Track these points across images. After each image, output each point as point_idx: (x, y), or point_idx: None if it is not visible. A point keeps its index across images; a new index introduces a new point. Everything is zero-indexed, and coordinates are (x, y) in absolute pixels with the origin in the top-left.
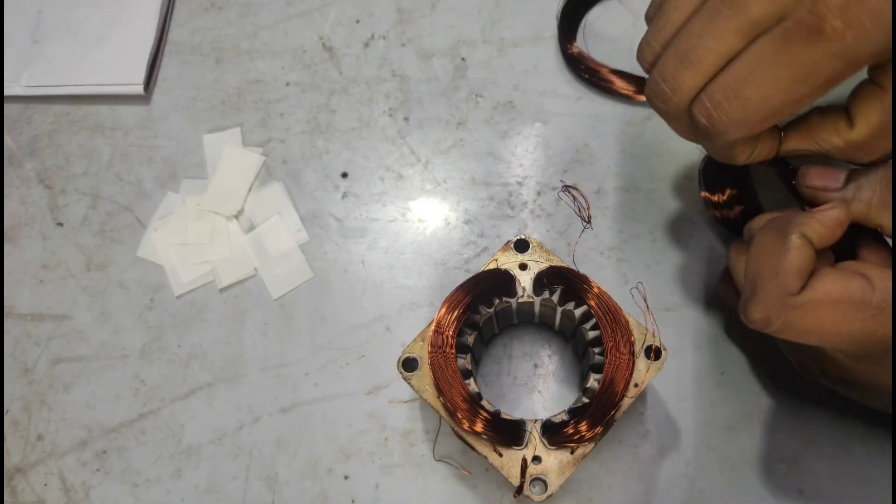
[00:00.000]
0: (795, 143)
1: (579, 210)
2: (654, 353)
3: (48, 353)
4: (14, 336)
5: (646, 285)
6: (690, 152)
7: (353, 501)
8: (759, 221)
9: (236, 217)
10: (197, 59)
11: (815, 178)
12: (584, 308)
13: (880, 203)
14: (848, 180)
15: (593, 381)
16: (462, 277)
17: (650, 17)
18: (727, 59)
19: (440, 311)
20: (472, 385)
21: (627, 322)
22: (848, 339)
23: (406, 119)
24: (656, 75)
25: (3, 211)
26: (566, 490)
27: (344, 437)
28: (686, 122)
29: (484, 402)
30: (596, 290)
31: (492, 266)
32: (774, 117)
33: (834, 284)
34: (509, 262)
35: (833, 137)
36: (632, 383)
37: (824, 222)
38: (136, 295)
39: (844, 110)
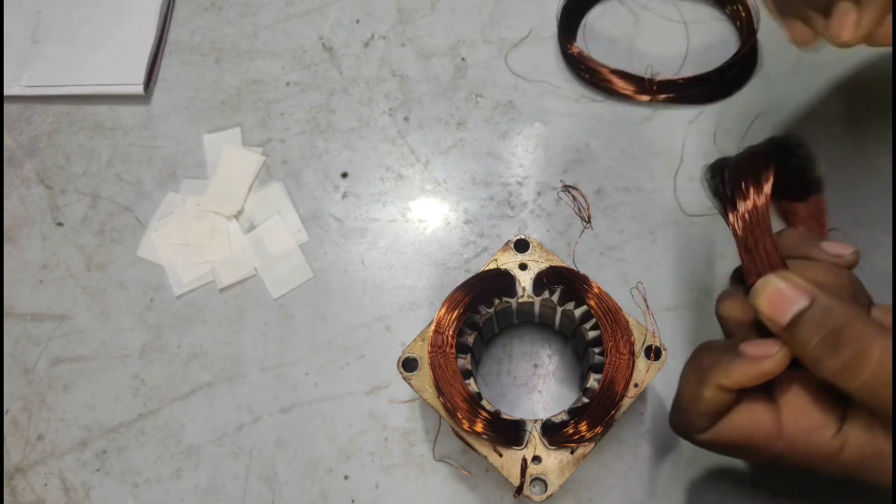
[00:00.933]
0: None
1: (579, 210)
2: (654, 353)
3: (48, 353)
4: (14, 336)
5: (646, 285)
6: (691, 153)
7: (353, 501)
8: (730, 301)
9: (236, 217)
10: (197, 59)
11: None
12: (584, 308)
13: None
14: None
15: (593, 381)
16: (462, 277)
17: None
18: None
19: (440, 311)
20: (472, 385)
21: (627, 322)
22: (757, 462)
23: (406, 119)
24: None
25: (3, 211)
26: (566, 490)
27: (344, 437)
28: None
29: (484, 402)
30: (596, 290)
31: (492, 266)
32: None
33: (739, 427)
34: (509, 262)
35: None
36: (632, 383)
37: (749, 374)
38: (136, 295)
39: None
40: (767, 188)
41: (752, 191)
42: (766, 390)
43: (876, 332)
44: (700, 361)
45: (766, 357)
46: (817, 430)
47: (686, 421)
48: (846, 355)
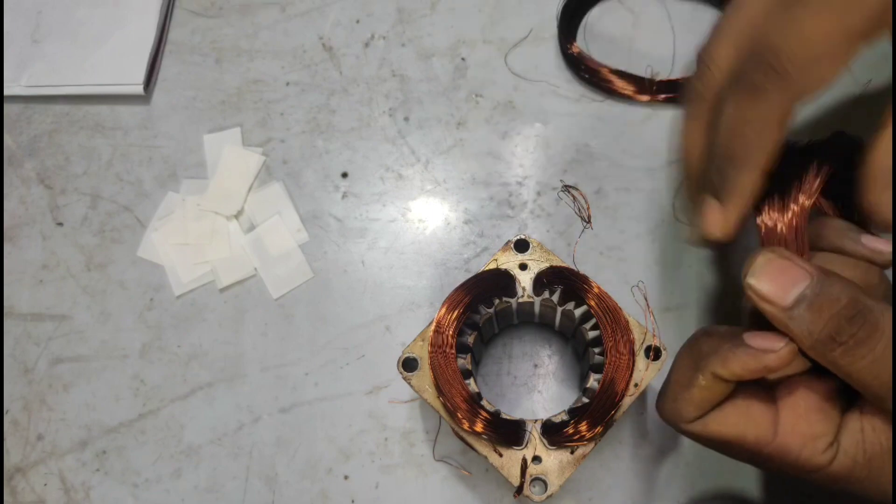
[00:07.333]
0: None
1: (579, 210)
2: (653, 353)
3: (48, 353)
4: (14, 336)
5: (646, 285)
6: None
7: (353, 501)
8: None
9: (236, 217)
10: (197, 59)
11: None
12: (584, 308)
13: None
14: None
15: (593, 381)
16: (462, 277)
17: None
18: None
19: (440, 311)
20: (472, 385)
21: (627, 322)
22: (738, 459)
23: (406, 119)
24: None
25: (3, 211)
26: (566, 490)
27: (344, 437)
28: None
29: (484, 402)
30: (596, 290)
31: (492, 266)
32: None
33: (732, 424)
34: (509, 262)
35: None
36: (632, 383)
37: (750, 367)
38: (136, 295)
39: None
40: (815, 191)
41: (799, 193)
42: (766, 388)
43: (885, 309)
44: (698, 346)
45: (770, 350)
46: (813, 440)
47: (674, 408)
48: (857, 334)
